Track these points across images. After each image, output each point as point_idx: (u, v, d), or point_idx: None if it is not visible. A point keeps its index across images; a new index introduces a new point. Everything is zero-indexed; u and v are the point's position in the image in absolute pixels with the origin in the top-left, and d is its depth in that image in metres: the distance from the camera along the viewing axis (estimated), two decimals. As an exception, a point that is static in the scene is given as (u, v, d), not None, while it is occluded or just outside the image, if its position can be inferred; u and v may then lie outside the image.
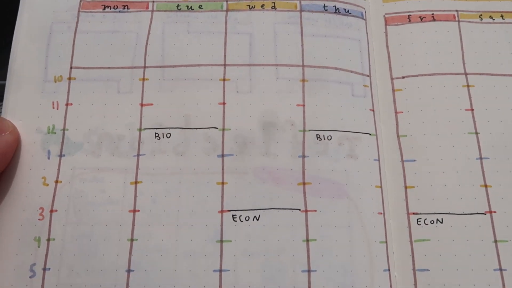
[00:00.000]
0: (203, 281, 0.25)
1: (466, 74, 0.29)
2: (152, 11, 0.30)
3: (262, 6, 0.31)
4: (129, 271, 0.25)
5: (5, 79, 0.29)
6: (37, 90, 0.28)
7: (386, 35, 0.31)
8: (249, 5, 0.31)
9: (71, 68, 0.29)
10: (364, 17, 0.31)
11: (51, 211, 0.26)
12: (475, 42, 0.30)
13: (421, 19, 0.31)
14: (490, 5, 0.31)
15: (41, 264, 0.25)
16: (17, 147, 0.27)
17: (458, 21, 0.31)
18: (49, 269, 0.25)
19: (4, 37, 0.32)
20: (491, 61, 0.30)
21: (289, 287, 0.25)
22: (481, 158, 0.28)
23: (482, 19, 0.31)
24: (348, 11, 0.31)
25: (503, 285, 0.25)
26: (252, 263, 0.25)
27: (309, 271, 0.25)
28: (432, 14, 0.31)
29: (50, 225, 0.26)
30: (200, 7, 0.31)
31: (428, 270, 0.26)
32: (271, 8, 0.31)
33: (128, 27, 0.30)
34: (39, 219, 0.26)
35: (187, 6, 0.30)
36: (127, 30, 0.30)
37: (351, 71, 0.29)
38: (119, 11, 0.30)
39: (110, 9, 0.30)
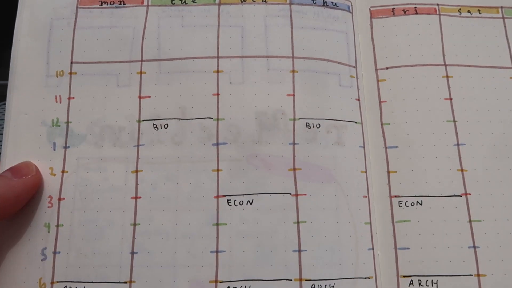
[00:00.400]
0: (201, 261, 0.26)
1: (445, 65, 0.30)
2: (147, 6, 0.31)
3: None
4: (132, 253, 0.26)
5: (5, 79, 0.29)
6: (40, 85, 0.29)
7: (371, 28, 0.32)
8: None
9: (71, 63, 0.30)
10: (351, 10, 0.32)
11: (59, 199, 0.27)
12: (454, 35, 0.31)
13: (405, 12, 0.32)
14: (468, 0, 0.32)
15: (52, 248, 0.26)
16: (37, 191, 0.27)
17: (439, 14, 0.32)
18: (59, 252, 0.26)
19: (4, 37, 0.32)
20: (468, 53, 0.31)
21: (281, 266, 0.26)
22: (458, 145, 0.29)
23: (461, 13, 0.32)
24: (335, 4, 0.31)
25: (476, 261, 0.27)
26: (246, 244, 0.27)
27: (299, 251, 0.27)
28: (415, 7, 0.32)
29: (58, 212, 0.27)
30: (193, 1, 0.31)
31: (408, 248, 0.27)
32: (262, 1, 0.31)
33: (125, 22, 0.30)
34: (48, 207, 0.27)
35: (181, 0, 0.31)
36: (124, 25, 0.30)
37: (338, 62, 0.30)
38: (116, 7, 0.31)
39: (107, 4, 0.31)
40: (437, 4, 0.32)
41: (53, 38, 0.30)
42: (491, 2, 0.32)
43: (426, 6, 0.32)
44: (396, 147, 0.29)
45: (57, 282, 0.26)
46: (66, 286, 0.26)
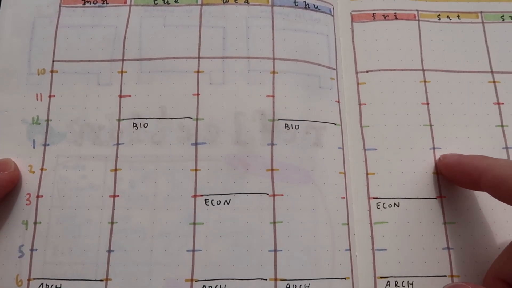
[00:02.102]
0: (177, 260, 0.27)
1: (423, 70, 0.31)
2: (130, 5, 0.31)
3: (236, 0, 0.31)
4: (109, 251, 0.27)
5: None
6: (21, 82, 0.29)
7: (352, 31, 0.32)
8: None
9: (53, 61, 0.30)
10: (332, 13, 0.32)
11: (38, 196, 0.27)
12: (432, 40, 0.32)
13: (385, 17, 0.32)
14: (448, 5, 0.33)
15: (29, 245, 0.27)
16: (14, 187, 0.27)
17: (418, 20, 0.32)
18: (36, 249, 0.26)
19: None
20: (446, 58, 0.31)
21: (257, 266, 0.26)
22: (434, 148, 0.29)
23: (440, 19, 0.32)
24: (317, 7, 0.32)
25: (450, 262, 0.27)
26: (223, 243, 0.27)
27: (275, 251, 0.27)
28: (395, 13, 0.32)
29: (36, 209, 0.27)
30: (176, 1, 0.31)
31: (385, 249, 0.27)
32: (244, 2, 0.31)
33: (107, 21, 0.31)
34: (26, 204, 0.27)
35: (164, 0, 0.31)
36: (106, 24, 0.31)
37: (319, 64, 0.30)
38: (99, 6, 0.31)
39: (90, 3, 0.31)
40: (417, 10, 0.32)
41: (35, 37, 0.30)
42: (470, 7, 0.33)
43: (405, 12, 0.32)
44: (375, 149, 0.29)
45: (34, 279, 0.26)
46: (42, 283, 0.26)
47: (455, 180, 0.28)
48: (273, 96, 0.29)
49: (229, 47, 0.30)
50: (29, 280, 0.26)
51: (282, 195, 0.28)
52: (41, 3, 0.31)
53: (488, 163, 0.26)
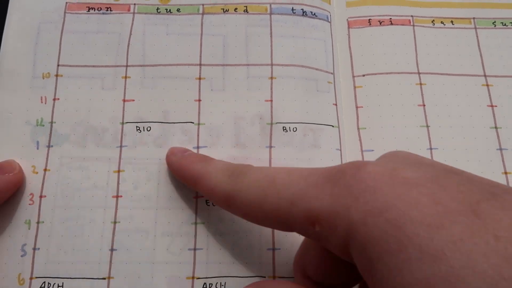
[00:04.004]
0: (179, 258, 0.27)
1: (419, 73, 0.32)
2: (134, 13, 0.32)
3: (235, 9, 0.32)
4: (112, 250, 0.27)
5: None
6: (26, 85, 0.30)
7: (349, 37, 0.33)
8: (223, 9, 0.32)
9: (58, 65, 0.31)
10: (329, 20, 0.33)
11: (41, 196, 0.28)
12: (427, 45, 0.32)
13: (380, 23, 0.33)
14: (442, 11, 0.34)
15: (31, 244, 0.27)
16: (19, 189, 0.28)
17: (413, 25, 0.33)
18: (38, 248, 0.27)
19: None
20: (441, 61, 0.32)
21: (256, 264, 0.27)
22: (431, 149, 0.30)
23: (434, 24, 0.33)
24: (314, 14, 0.33)
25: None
26: (223, 242, 0.27)
27: (273, 249, 0.27)
28: (390, 18, 0.33)
29: (39, 209, 0.27)
30: (178, 10, 0.32)
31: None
32: (244, 11, 0.32)
33: (111, 28, 0.32)
34: (29, 204, 0.28)
35: (166, 9, 0.32)
36: (110, 30, 0.32)
37: (316, 69, 0.31)
38: (103, 13, 0.32)
39: (94, 10, 0.32)
40: (411, 16, 0.33)
41: (40, 41, 0.31)
42: (464, 14, 0.34)
43: (400, 18, 0.33)
44: (372, 150, 0.30)
45: (36, 277, 0.26)
46: (45, 282, 0.26)
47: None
48: (271, 101, 0.30)
49: (229, 55, 0.31)
50: (31, 278, 0.26)
51: None
52: (47, 9, 0.32)
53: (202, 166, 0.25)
